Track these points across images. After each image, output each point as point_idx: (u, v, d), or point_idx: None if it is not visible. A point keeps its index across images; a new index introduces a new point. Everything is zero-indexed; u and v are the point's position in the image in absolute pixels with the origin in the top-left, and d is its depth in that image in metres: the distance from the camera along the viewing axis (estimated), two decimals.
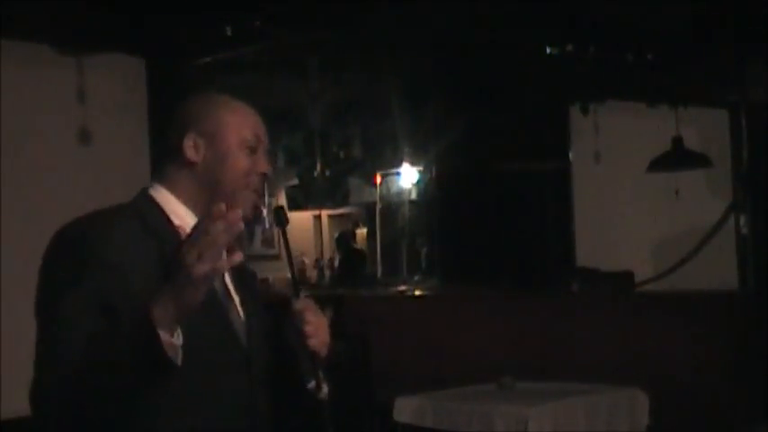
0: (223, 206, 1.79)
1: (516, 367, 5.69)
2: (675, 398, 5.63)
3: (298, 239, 12.28)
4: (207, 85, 6.71)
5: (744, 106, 7.23)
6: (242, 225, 1.81)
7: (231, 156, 2.10)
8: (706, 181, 7.75)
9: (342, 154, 10.31)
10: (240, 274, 2.19)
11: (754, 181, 7.16)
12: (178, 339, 1.81)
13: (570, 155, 8.66)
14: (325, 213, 12.11)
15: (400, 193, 10.86)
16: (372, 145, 10.18)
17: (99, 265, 1.90)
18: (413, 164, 10.33)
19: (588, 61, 6.49)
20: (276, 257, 12.51)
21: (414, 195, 10.67)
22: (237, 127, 2.13)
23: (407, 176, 10.59)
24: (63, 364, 1.81)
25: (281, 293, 2.42)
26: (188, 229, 2.01)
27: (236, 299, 2.15)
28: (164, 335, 1.77)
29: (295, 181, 11.27)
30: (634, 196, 8.17)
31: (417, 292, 8.71)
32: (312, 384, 2.14)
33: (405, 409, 5.23)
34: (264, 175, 2.16)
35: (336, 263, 11.73)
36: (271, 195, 11.96)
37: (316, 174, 10.33)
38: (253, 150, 2.13)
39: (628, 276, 7.30)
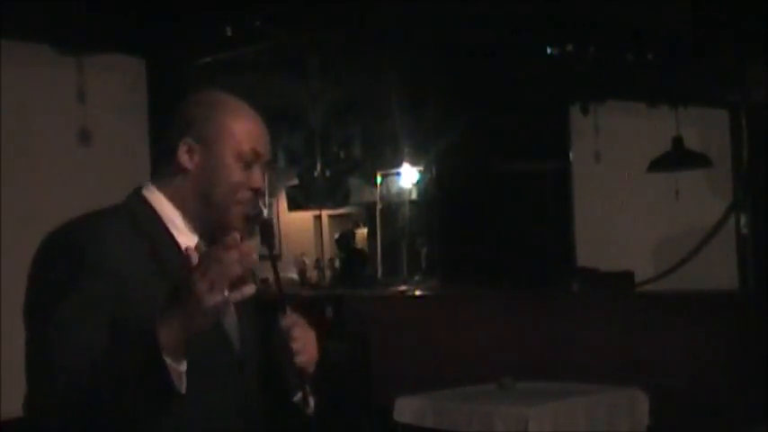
0: (237, 236, 1.76)
1: (516, 367, 5.69)
2: (675, 398, 5.63)
3: (298, 239, 12.28)
4: (207, 85, 6.71)
5: (744, 106, 7.23)
6: (256, 257, 1.76)
7: (225, 168, 2.02)
8: (706, 181, 7.75)
9: (342, 154, 10.30)
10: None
11: (754, 181, 7.16)
12: (183, 364, 1.77)
13: (570, 155, 8.67)
14: (325, 213, 12.11)
15: (400, 193, 10.86)
16: (372, 145, 10.18)
17: (92, 271, 1.85)
18: (413, 164, 10.33)
19: (588, 61, 6.49)
20: (276, 257, 12.51)
21: (414, 195, 10.67)
22: (236, 138, 2.04)
23: (407, 176, 10.59)
24: (61, 376, 1.76)
25: (274, 295, 2.24)
26: (181, 236, 2.00)
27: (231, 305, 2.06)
28: (170, 362, 1.73)
29: (295, 181, 11.26)
30: (635, 196, 8.17)
31: (417, 293, 8.71)
32: (299, 397, 2.08)
33: (405, 409, 5.23)
34: (258, 190, 2.07)
35: (337, 263, 11.72)
36: (271, 196, 11.96)
37: (316, 174, 10.32)
38: (248, 165, 2.05)
39: (628, 276, 7.31)
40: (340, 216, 12.15)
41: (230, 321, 2.04)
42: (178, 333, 1.74)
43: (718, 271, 7.33)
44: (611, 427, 5.12)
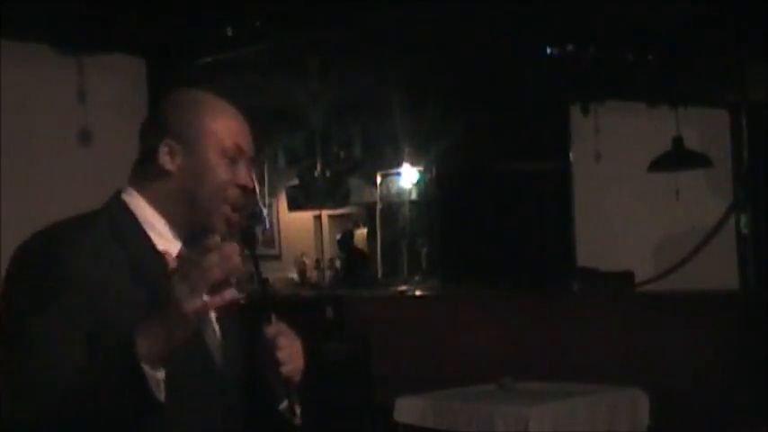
0: (218, 238, 1.70)
1: (516, 367, 5.69)
2: (675, 398, 5.63)
3: (298, 239, 12.29)
4: (207, 84, 6.71)
5: (744, 106, 7.23)
6: (238, 260, 1.70)
7: (209, 166, 1.94)
8: (706, 181, 7.75)
9: (342, 154, 10.30)
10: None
11: (754, 181, 7.16)
12: (161, 372, 1.71)
13: (570, 155, 8.67)
14: (325, 213, 12.12)
15: (400, 193, 10.86)
16: (372, 145, 10.18)
17: (67, 283, 1.78)
18: (413, 164, 10.33)
19: (588, 61, 6.49)
20: (276, 257, 12.53)
21: (414, 195, 10.68)
22: (218, 135, 1.96)
23: (408, 176, 10.59)
24: (39, 392, 1.70)
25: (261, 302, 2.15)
26: (162, 241, 1.94)
27: (212, 315, 1.99)
28: (148, 369, 1.67)
29: (295, 181, 11.26)
30: (634, 196, 8.17)
31: (417, 293, 8.71)
32: (284, 405, 2.03)
33: (405, 409, 5.23)
34: (245, 187, 1.99)
35: (338, 264, 11.73)
36: (271, 196, 11.97)
37: (316, 174, 10.32)
38: (233, 161, 1.96)
39: (628, 276, 7.30)
40: (340, 216, 12.16)
41: (212, 338, 1.98)
42: (157, 341, 1.68)
43: (718, 271, 7.32)
44: (612, 427, 5.12)
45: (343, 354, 7.12)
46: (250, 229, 2.09)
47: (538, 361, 6.12)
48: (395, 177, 10.83)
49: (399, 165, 10.44)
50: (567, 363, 6.09)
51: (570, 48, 6.38)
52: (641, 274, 7.45)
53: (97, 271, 1.81)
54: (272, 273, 11.96)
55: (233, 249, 1.69)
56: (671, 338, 6.08)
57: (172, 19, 5.56)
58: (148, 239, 1.92)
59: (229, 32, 5.75)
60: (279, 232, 12.58)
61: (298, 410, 2.02)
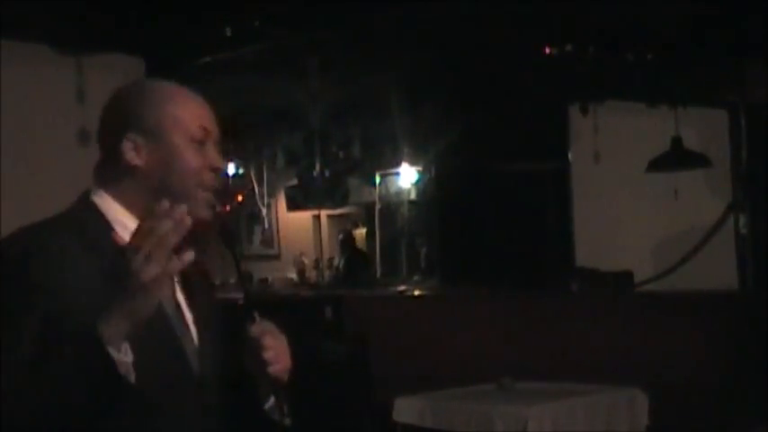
0: (167, 203, 1.64)
1: (516, 367, 5.70)
2: (675, 398, 5.63)
3: (297, 239, 12.29)
4: (207, 84, 6.71)
5: (743, 106, 7.23)
6: (189, 221, 1.63)
7: (178, 154, 1.88)
8: (705, 181, 7.75)
9: (341, 154, 10.31)
10: (194, 284, 1.98)
11: (753, 181, 7.16)
12: (127, 356, 1.64)
13: (570, 155, 8.67)
14: (324, 213, 12.11)
15: (400, 193, 10.87)
16: (372, 145, 10.19)
17: (32, 292, 1.71)
18: (412, 164, 10.34)
19: (588, 61, 6.49)
20: (276, 257, 12.53)
21: (413, 195, 10.68)
22: (181, 120, 1.90)
23: (407, 176, 10.59)
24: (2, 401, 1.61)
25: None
26: None
27: (189, 316, 1.94)
28: (114, 353, 1.61)
29: (294, 181, 11.27)
30: (633, 196, 8.17)
31: (417, 292, 8.72)
32: (270, 404, 1.97)
33: (404, 409, 5.23)
34: (218, 170, 1.93)
35: (340, 264, 11.73)
36: (270, 196, 11.97)
37: (315, 174, 10.33)
38: (201, 144, 1.90)
39: (628, 276, 7.31)
40: (339, 216, 12.16)
41: (189, 341, 1.91)
42: (120, 320, 1.62)
43: (718, 271, 7.32)
44: (611, 427, 5.12)
45: (342, 354, 7.12)
46: (226, 228, 2.05)
47: (537, 361, 6.12)
48: (394, 177, 10.84)
49: (398, 165, 10.45)
50: (566, 363, 6.09)
51: (570, 48, 6.37)
52: (640, 273, 7.45)
53: (65, 277, 1.74)
54: (271, 272, 11.96)
55: (183, 213, 1.63)
56: (670, 338, 6.09)
57: (171, 19, 5.56)
58: (119, 241, 1.84)
59: (229, 32, 5.75)
60: (278, 232, 12.58)
61: (287, 410, 1.95)
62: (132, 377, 1.64)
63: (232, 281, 11.36)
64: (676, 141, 7.37)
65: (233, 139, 10.50)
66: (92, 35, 5.49)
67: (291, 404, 1.95)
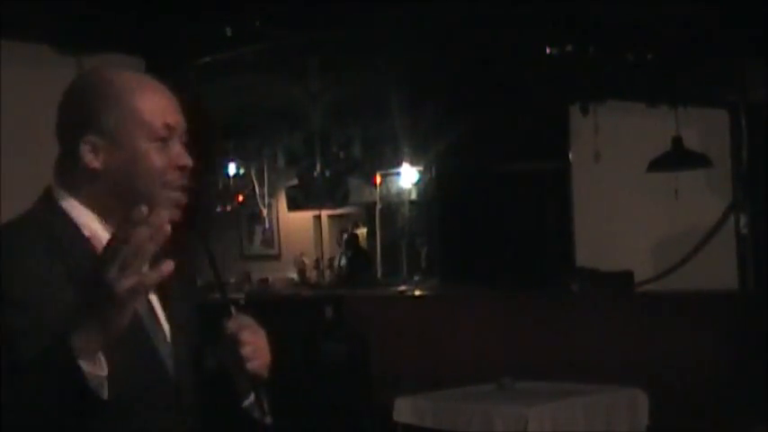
0: (144, 209, 1.48)
1: (516, 367, 5.70)
2: (675, 398, 5.63)
3: (297, 239, 12.30)
4: (207, 84, 6.72)
5: (743, 106, 7.22)
6: (168, 229, 1.50)
7: (140, 155, 1.77)
8: (706, 181, 7.74)
9: (342, 154, 10.31)
10: (166, 279, 1.88)
11: (753, 181, 7.15)
12: (102, 369, 1.53)
13: (570, 155, 8.66)
14: (324, 213, 12.12)
15: (400, 193, 10.88)
16: (372, 145, 10.19)
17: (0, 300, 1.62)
18: (413, 164, 10.35)
19: (588, 61, 6.48)
20: (276, 257, 12.54)
21: (414, 195, 10.69)
22: (143, 118, 1.78)
23: (407, 176, 10.60)
24: None
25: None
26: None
27: (162, 316, 1.85)
28: (86, 365, 1.50)
29: (295, 181, 11.27)
30: (633, 196, 8.16)
31: (417, 292, 8.72)
32: (249, 401, 1.87)
33: (405, 409, 5.23)
34: (184, 167, 1.81)
35: (343, 261, 11.74)
36: (271, 196, 11.98)
37: (315, 174, 10.34)
38: (164, 141, 1.79)
39: (628, 276, 7.30)
40: (340, 216, 12.16)
41: (162, 342, 1.82)
42: (93, 333, 1.50)
43: (718, 271, 7.32)
44: (611, 427, 5.12)
45: (343, 354, 7.13)
46: (197, 232, 1.93)
47: (537, 361, 6.13)
48: (394, 177, 10.85)
49: (399, 165, 10.45)
50: (566, 362, 6.10)
51: (570, 48, 6.37)
52: (641, 273, 7.45)
53: (32, 284, 1.65)
54: (271, 272, 11.97)
55: (162, 219, 1.49)
56: (670, 338, 6.09)
57: (171, 19, 5.55)
58: (89, 246, 1.75)
59: (229, 32, 5.74)
60: (278, 232, 12.58)
61: (267, 407, 1.84)
62: (105, 392, 1.53)
63: (232, 280, 11.40)
64: (677, 141, 7.36)
65: (233, 139, 10.52)
66: (92, 35, 5.49)
67: (272, 401, 1.85)
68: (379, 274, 11.16)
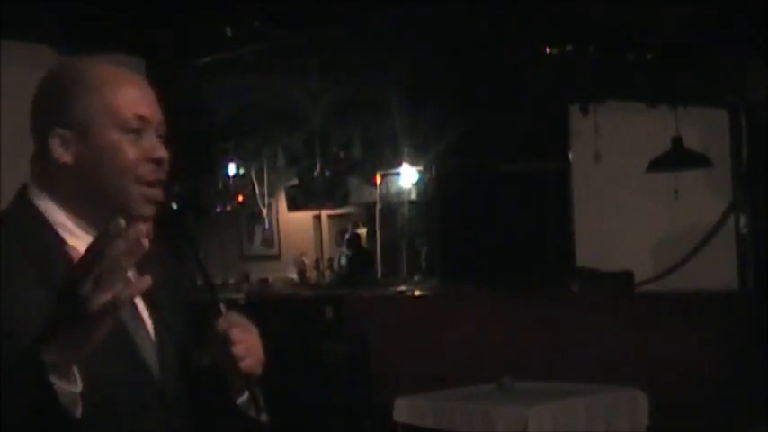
0: (122, 222, 1.41)
1: (516, 367, 5.70)
2: (675, 398, 5.63)
3: (297, 239, 12.30)
4: (207, 84, 6.72)
5: (743, 106, 7.22)
6: (147, 243, 1.42)
7: (109, 148, 1.69)
8: (706, 181, 7.74)
9: (341, 154, 10.32)
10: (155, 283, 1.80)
11: (753, 181, 7.15)
12: (76, 385, 1.45)
13: (570, 155, 8.67)
14: (324, 213, 12.13)
15: (400, 193, 10.88)
16: (372, 145, 10.20)
17: None
18: (413, 164, 10.35)
19: (588, 61, 6.49)
20: (276, 257, 12.54)
21: (413, 195, 10.69)
22: (113, 109, 1.70)
23: (407, 176, 10.60)
24: None
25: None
26: (78, 241, 1.68)
27: (145, 313, 1.77)
28: (58, 381, 1.43)
29: (295, 181, 11.28)
30: (633, 196, 8.17)
31: (417, 293, 8.72)
32: (244, 399, 1.81)
33: (404, 409, 5.23)
34: (159, 160, 1.73)
35: (343, 260, 11.74)
36: (271, 196, 11.98)
37: (315, 174, 10.35)
38: (138, 133, 1.71)
39: (628, 276, 7.31)
40: (339, 216, 12.17)
41: (146, 341, 1.75)
42: (67, 348, 1.42)
43: (718, 271, 7.32)
44: (611, 427, 5.12)
45: (343, 354, 7.13)
46: (178, 212, 1.81)
47: (537, 361, 6.13)
48: (394, 177, 10.85)
49: (399, 165, 10.46)
50: (566, 362, 6.10)
51: (570, 48, 6.37)
52: (641, 274, 7.46)
53: (7, 294, 1.58)
54: (271, 273, 11.97)
55: (139, 232, 1.41)
56: (670, 338, 6.09)
57: (171, 19, 5.55)
58: (63, 245, 1.69)
59: (229, 32, 5.75)
60: (278, 232, 12.58)
61: (262, 405, 1.78)
62: (78, 410, 1.45)
63: (232, 281, 11.40)
64: (676, 141, 7.36)
65: (233, 139, 10.52)
66: (92, 35, 5.49)
67: (267, 399, 1.80)
68: (379, 275, 11.16)
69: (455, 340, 6.64)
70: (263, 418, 1.78)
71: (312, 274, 11.88)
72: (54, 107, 1.73)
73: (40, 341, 1.43)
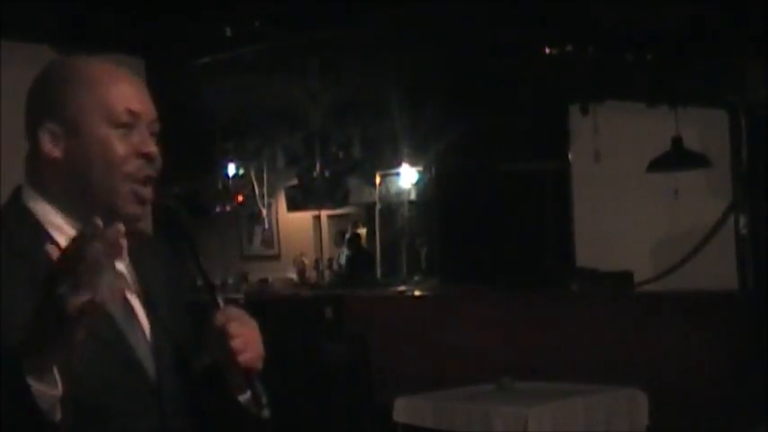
0: (99, 222, 1.37)
1: (516, 367, 5.69)
2: (675, 398, 5.63)
3: (297, 239, 12.30)
4: (207, 84, 6.72)
5: (743, 106, 7.22)
6: (124, 243, 1.39)
7: (98, 142, 1.67)
8: (706, 181, 7.74)
9: (341, 154, 10.32)
10: (143, 270, 1.78)
11: (753, 181, 7.16)
12: (56, 388, 1.42)
13: (570, 155, 8.67)
14: (324, 214, 12.13)
15: (400, 193, 10.88)
16: (372, 145, 10.19)
17: None
18: (412, 164, 10.35)
19: (588, 61, 6.49)
20: (276, 257, 12.54)
21: (413, 195, 10.69)
22: (103, 103, 1.68)
23: (407, 177, 10.60)
24: None
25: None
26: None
27: (141, 314, 1.74)
28: (37, 384, 1.40)
29: (294, 181, 11.28)
30: (633, 196, 8.17)
31: (417, 293, 8.72)
32: (246, 397, 1.76)
33: (404, 409, 5.23)
34: (149, 155, 1.69)
35: (343, 260, 11.75)
36: (270, 196, 11.98)
37: (315, 174, 10.35)
38: (128, 128, 1.68)
39: (628, 276, 7.31)
40: (339, 216, 12.17)
41: (140, 339, 1.72)
42: (44, 349, 1.40)
43: (718, 271, 7.32)
44: (611, 427, 5.12)
45: (343, 354, 7.12)
46: (172, 210, 1.77)
47: (537, 361, 6.12)
48: (394, 177, 10.85)
49: (399, 165, 10.46)
50: (566, 363, 6.10)
51: (570, 48, 6.37)
52: (640, 274, 7.46)
53: None
54: (271, 273, 11.97)
55: (117, 233, 1.38)
56: (670, 338, 6.09)
57: (171, 19, 5.56)
58: (54, 245, 1.61)
59: (229, 32, 5.75)
60: (278, 232, 12.59)
61: (264, 401, 1.73)
62: (57, 414, 1.43)
63: (231, 281, 11.39)
64: (676, 141, 7.37)
65: (233, 139, 10.52)
66: (92, 35, 5.49)
67: (269, 394, 1.75)
68: (378, 275, 11.17)
69: (455, 340, 6.64)
70: (266, 413, 1.73)
71: (312, 275, 11.88)
72: (45, 102, 1.71)
73: (20, 343, 1.41)
